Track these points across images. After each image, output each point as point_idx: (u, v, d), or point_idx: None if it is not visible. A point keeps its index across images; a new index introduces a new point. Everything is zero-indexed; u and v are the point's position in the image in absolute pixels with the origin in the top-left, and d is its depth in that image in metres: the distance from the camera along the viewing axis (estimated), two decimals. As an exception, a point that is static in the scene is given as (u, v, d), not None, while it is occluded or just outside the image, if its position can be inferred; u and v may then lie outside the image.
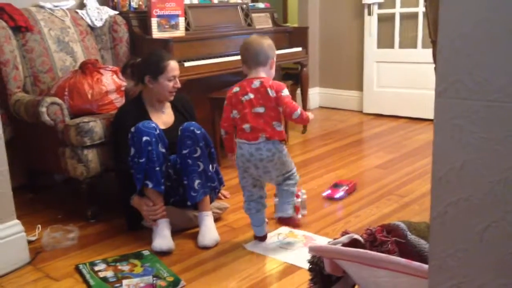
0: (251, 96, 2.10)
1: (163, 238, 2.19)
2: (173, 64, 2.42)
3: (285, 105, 2.09)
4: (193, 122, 2.35)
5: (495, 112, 0.74)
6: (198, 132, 2.30)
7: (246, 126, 2.09)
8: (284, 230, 2.34)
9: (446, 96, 0.77)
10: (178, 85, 2.45)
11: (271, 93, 2.09)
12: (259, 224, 2.22)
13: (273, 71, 2.19)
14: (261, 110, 2.09)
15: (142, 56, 2.55)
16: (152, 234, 2.25)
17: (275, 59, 2.19)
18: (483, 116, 0.75)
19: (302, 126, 4.11)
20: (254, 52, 2.13)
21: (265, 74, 2.14)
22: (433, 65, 2.21)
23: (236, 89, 2.15)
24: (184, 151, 2.28)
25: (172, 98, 2.48)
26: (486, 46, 0.74)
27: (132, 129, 2.25)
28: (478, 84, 0.75)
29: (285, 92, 2.11)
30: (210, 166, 2.34)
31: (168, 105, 2.55)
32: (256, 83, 2.11)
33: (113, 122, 2.49)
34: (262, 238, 2.25)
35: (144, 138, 2.21)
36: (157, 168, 2.23)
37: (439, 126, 0.79)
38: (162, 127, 2.39)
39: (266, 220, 2.27)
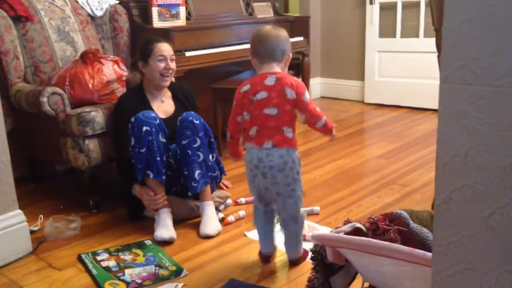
0: (264, 95, 1.82)
1: (165, 228, 2.20)
2: (161, 45, 2.41)
3: (309, 113, 1.85)
4: (192, 112, 2.34)
5: (501, 97, 0.73)
6: (197, 122, 2.29)
7: (252, 129, 1.84)
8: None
9: (452, 82, 0.77)
10: (170, 66, 2.41)
11: (290, 94, 1.81)
12: (264, 238, 1.96)
13: (286, 68, 1.93)
14: (273, 112, 1.81)
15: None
16: (154, 224, 2.25)
17: (291, 54, 1.92)
18: (488, 101, 0.74)
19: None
20: (270, 45, 1.85)
21: (279, 70, 1.88)
22: (436, 54, 2.20)
23: (246, 87, 1.87)
24: (184, 142, 2.28)
25: (166, 83, 2.44)
26: (492, 31, 0.74)
27: (132, 119, 2.24)
28: (484, 69, 0.74)
29: (307, 96, 1.85)
30: (210, 155, 2.34)
31: (168, 95, 2.54)
32: (271, 80, 1.83)
33: (113, 111, 2.48)
34: (267, 257, 1.97)
35: (144, 128, 2.20)
36: (158, 158, 2.23)
37: (444, 112, 0.79)
38: (162, 116, 2.38)
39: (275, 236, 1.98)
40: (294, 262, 1.96)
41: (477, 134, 0.76)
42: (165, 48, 2.41)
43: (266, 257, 1.98)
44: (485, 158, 0.76)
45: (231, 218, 2.35)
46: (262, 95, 1.83)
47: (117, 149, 2.46)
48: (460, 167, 0.78)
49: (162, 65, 2.39)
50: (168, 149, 2.32)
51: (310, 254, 1.53)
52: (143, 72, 2.45)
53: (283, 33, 1.91)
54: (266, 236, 1.96)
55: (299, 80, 1.89)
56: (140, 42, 2.55)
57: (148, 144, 2.21)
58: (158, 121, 2.26)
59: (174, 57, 2.46)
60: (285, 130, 1.82)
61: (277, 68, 1.87)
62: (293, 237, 1.93)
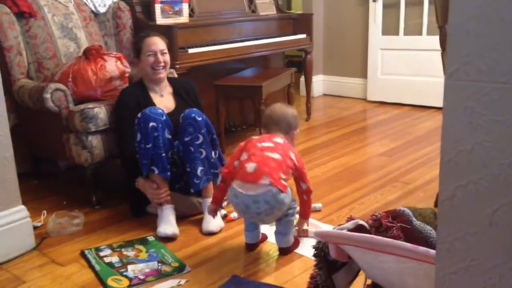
0: (270, 144, 1.93)
1: (168, 224, 2.20)
2: (149, 40, 2.46)
3: (305, 180, 1.97)
4: (194, 109, 2.34)
5: (506, 94, 0.73)
6: (200, 119, 2.29)
7: (250, 165, 1.87)
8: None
9: (457, 78, 0.77)
10: (160, 60, 2.44)
11: (292, 156, 1.93)
12: (251, 229, 2.04)
13: (292, 144, 2.07)
14: (276, 156, 1.89)
15: None
16: (157, 220, 2.26)
17: (297, 131, 2.10)
18: (494, 98, 0.74)
19: (306, 114, 4.09)
20: (276, 118, 2.04)
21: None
22: (439, 52, 2.20)
23: (254, 137, 2.01)
24: (186, 139, 2.28)
25: (160, 75, 2.46)
26: (497, 27, 0.74)
27: (139, 115, 2.25)
28: (489, 66, 0.74)
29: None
30: (213, 152, 2.34)
31: (168, 90, 2.55)
32: (279, 139, 1.97)
33: (115, 103, 2.48)
34: (252, 247, 2.07)
35: (151, 124, 2.21)
36: (163, 154, 2.23)
37: (449, 109, 0.78)
38: (163, 111, 2.39)
39: (269, 227, 2.12)
40: (283, 251, 2.03)
41: (482, 130, 0.75)
42: (153, 42, 2.45)
43: (251, 246, 2.07)
44: (490, 154, 0.75)
45: (233, 215, 2.35)
46: (268, 144, 1.94)
47: (119, 142, 2.46)
48: (465, 163, 0.78)
49: (151, 59, 2.43)
50: (173, 145, 2.33)
51: (313, 250, 1.52)
52: (139, 67, 2.51)
53: (291, 109, 2.11)
54: (251, 229, 2.05)
55: None
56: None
57: (154, 140, 2.21)
58: (164, 117, 2.26)
59: (166, 50, 2.48)
60: (282, 177, 1.86)
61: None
62: (289, 226, 2.01)
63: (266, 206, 1.83)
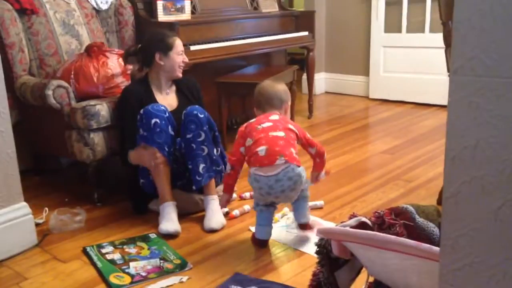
0: (269, 124, 2.00)
1: (169, 221, 2.20)
2: (179, 40, 2.51)
3: (312, 143, 2.09)
4: (196, 106, 2.34)
5: (512, 89, 0.73)
6: (202, 116, 2.29)
7: (261, 148, 1.93)
8: (292, 214, 2.33)
9: (462, 74, 0.76)
10: (187, 59, 2.53)
11: (292, 127, 2.02)
12: (264, 224, 2.03)
13: (288, 116, 2.15)
14: (280, 134, 1.96)
15: (144, 39, 2.59)
16: (158, 217, 2.25)
17: (289, 103, 2.16)
18: (499, 93, 0.73)
19: (308, 111, 4.09)
20: (268, 95, 2.10)
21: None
22: (442, 49, 2.19)
23: (251, 120, 2.08)
24: (188, 136, 2.27)
25: (181, 74, 2.50)
26: (503, 22, 0.73)
27: (141, 111, 2.25)
28: (495, 61, 0.74)
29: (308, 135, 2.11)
30: (215, 149, 2.33)
31: (173, 88, 2.54)
32: (275, 117, 2.04)
33: (118, 100, 2.47)
34: (263, 243, 2.05)
35: (153, 120, 2.21)
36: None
37: (454, 104, 0.78)
38: (166, 109, 2.39)
39: (273, 225, 2.07)
40: (303, 226, 2.12)
41: (487, 126, 0.75)
42: (181, 43, 2.51)
43: (261, 241, 2.06)
44: (495, 150, 0.75)
45: (236, 212, 2.35)
46: (267, 124, 2.00)
47: (121, 139, 2.45)
48: (470, 159, 0.77)
49: (181, 58, 2.47)
50: (175, 142, 2.32)
51: (315, 248, 1.52)
52: (159, 63, 2.43)
53: (280, 85, 2.16)
54: (264, 223, 2.04)
55: None
56: (153, 35, 2.52)
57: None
58: (167, 114, 2.26)
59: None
60: (293, 151, 1.94)
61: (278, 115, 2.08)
62: (305, 202, 2.09)
63: (289, 182, 1.90)
